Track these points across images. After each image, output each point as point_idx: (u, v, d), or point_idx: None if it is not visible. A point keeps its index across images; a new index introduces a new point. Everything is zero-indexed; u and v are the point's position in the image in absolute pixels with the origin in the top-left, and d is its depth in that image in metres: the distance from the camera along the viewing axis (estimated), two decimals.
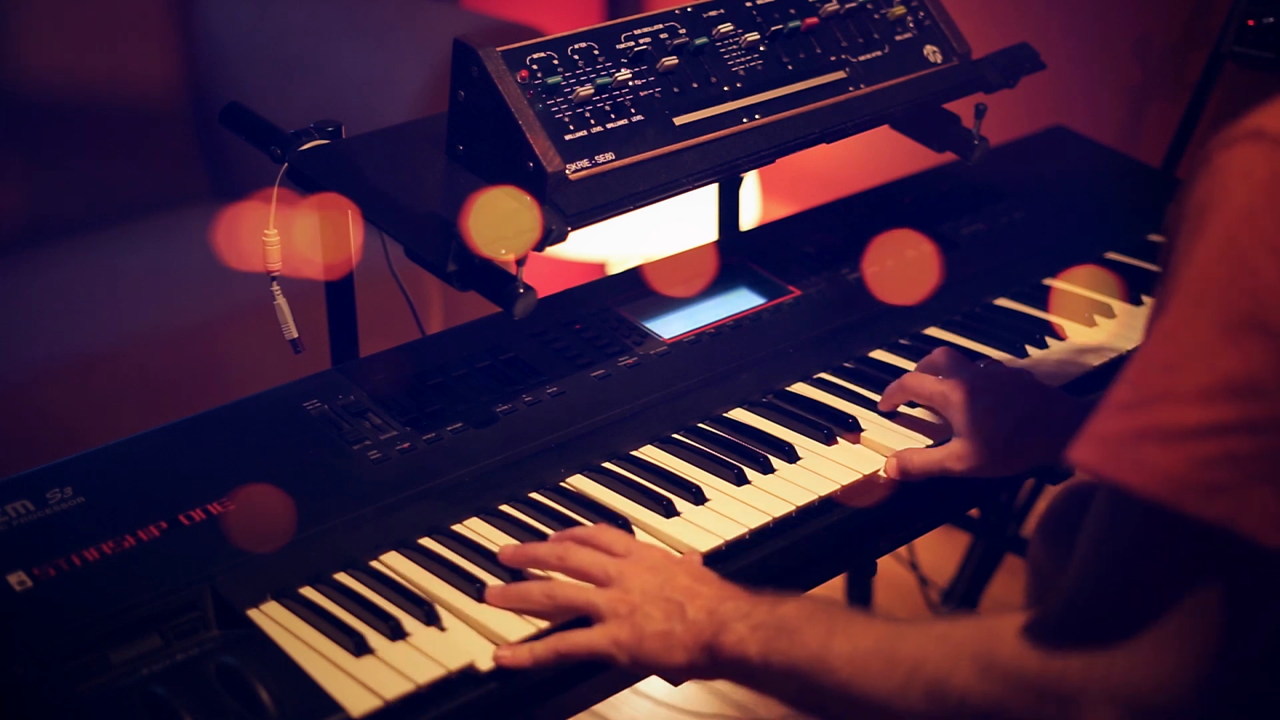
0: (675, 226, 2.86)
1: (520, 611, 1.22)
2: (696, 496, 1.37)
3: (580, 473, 1.42)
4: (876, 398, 1.51)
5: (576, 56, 1.44)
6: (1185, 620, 0.92)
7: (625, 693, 2.04)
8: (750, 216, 2.94)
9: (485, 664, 1.17)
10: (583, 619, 1.21)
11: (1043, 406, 1.39)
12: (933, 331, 1.66)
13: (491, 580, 1.25)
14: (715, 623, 1.15)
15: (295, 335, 1.53)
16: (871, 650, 1.06)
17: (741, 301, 1.65)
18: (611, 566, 1.21)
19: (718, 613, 1.16)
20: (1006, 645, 0.99)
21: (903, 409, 1.50)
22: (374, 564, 1.29)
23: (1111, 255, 1.83)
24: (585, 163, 1.40)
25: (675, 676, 1.18)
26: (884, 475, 1.40)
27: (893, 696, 1.04)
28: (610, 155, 1.42)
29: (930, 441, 1.44)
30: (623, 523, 1.33)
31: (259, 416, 1.41)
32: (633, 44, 1.48)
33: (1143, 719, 0.93)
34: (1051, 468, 1.62)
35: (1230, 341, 0.88)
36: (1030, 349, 1.62)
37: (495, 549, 1.28)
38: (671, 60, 1.48)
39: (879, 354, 1.62)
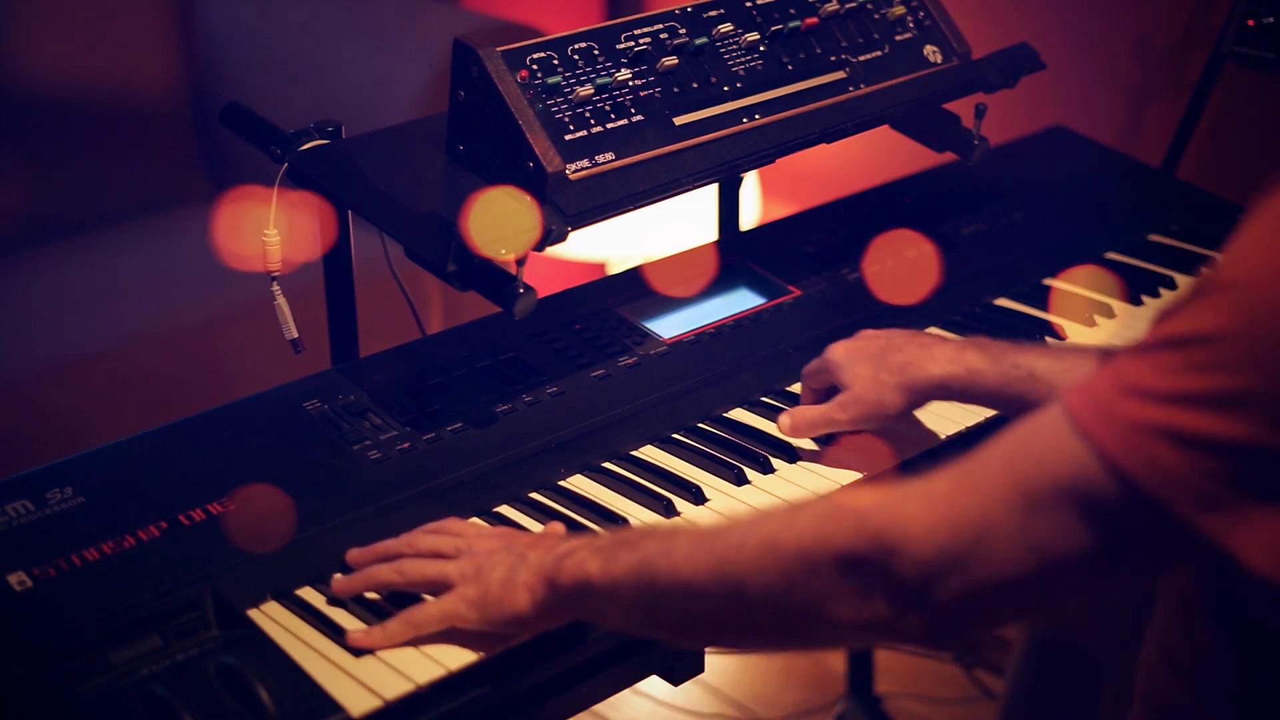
0: (675, 226, 2.86)
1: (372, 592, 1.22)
2: (696, 496, 1.37)
3: (580, 473, 1.42)
4: None
5: (576, 56, 1.44)
6: (1049, 551, 0.91)
7: (625, 693, 2.04)
8: (750, 216, 2.94)
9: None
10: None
11: (911, 338, 1.41)
12: (933, 331, 1.66)
13: None
14: (557, 556, 1.14)
15: (295, 335, 1.53)
16: (711, 531, 1.06)
17: (741, 301, 1.65)
18: (460, 541, 1.21)
19: (559, 548, 1.15)
20: (854, 497, 0.98)
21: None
22: None
23: (1111, 255, 1.83)
24: (585, 163, 1.40)
25: (524, 623, 1.16)
26: (781, 434, 1.43)
27: (724, 557, 1.02)
28: (610, 155, 1.42)
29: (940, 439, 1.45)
30: (622, 523, 1.33)
31: (259, 416, 1.41)
32: (633, 44, 1.48)
33: (936, 602, 0.93)
34: None
35: (1273, 364, 0.85)
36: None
37: None
38: (671, 60, 1.48)
39: None
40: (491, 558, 1.18)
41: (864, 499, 0.98)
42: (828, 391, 1.45)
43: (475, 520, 1.33)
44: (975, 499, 0.93)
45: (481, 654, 1.17)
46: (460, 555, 1.20)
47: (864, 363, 1.40)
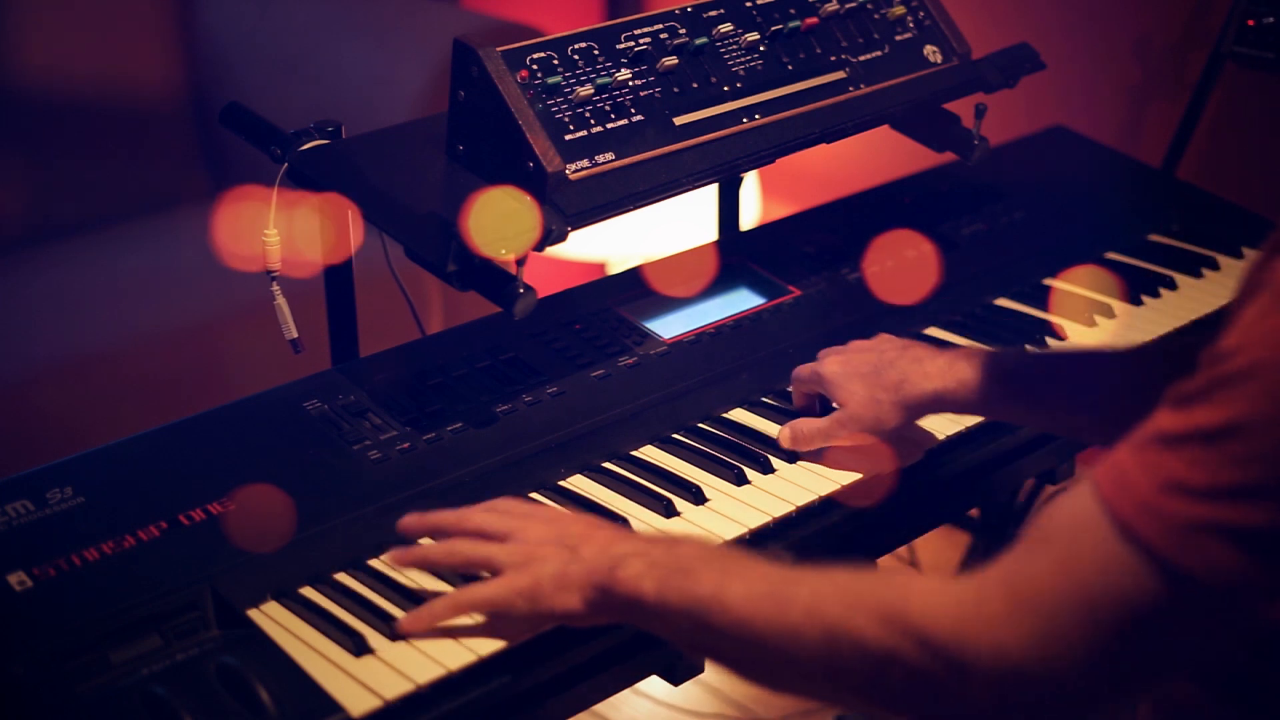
0: (675, 226, 2.86)
1: (424, 569, 1.24)
2: (696, 496, 1.37)
3: (580, 473, 1.42)
4: None
5: (576, 56, 1.44)
6: (1119, 655, 0.92)
7: (625, 693, 2.04)
8: (750, 216, 2.94)
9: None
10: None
11: (903, 351, 1.42)
12: (933, 331, 1.66)
13: None
14: (610, 560, 1.13)
15: (295, 335, 1.53)
16: (765, 593, 1.06)
17: (741, 301, 1.65)
18: (511, 521, 1.21)
19: (611, 551, 1.14)
20: (917, 601, 0.98)
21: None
22: (374, 564, 1.28)
23: (1111, 255, 1.83)
24: (585, 163, 1.40)
25: (573, 619, 1.16)
26: (782, 444, 1.43)
27: (785, 637, 1.03)
28: (610, 155, 1.42)
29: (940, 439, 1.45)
30: (622, 523, 1.33)
31: (259, 416, 1.41)
32: (633, 44, 1.48)
33: (1012, 711, 0.95)
34: (1051, 470, 1.62)
35: None
36: (1030, 349, 1.62)
37: None
38: (671, 60, 1.48)
39: None
40: (542, 549, 1.17)
41: (921, 606, 0.98)
42: (819, 398, 1.46)
43: (521, 500, 1.30)
44: (1040, 618, 0.94)
45: (481, 654, 1.17)
46: (509, 538, 1.20)
47: (858, 380, 1.40)
